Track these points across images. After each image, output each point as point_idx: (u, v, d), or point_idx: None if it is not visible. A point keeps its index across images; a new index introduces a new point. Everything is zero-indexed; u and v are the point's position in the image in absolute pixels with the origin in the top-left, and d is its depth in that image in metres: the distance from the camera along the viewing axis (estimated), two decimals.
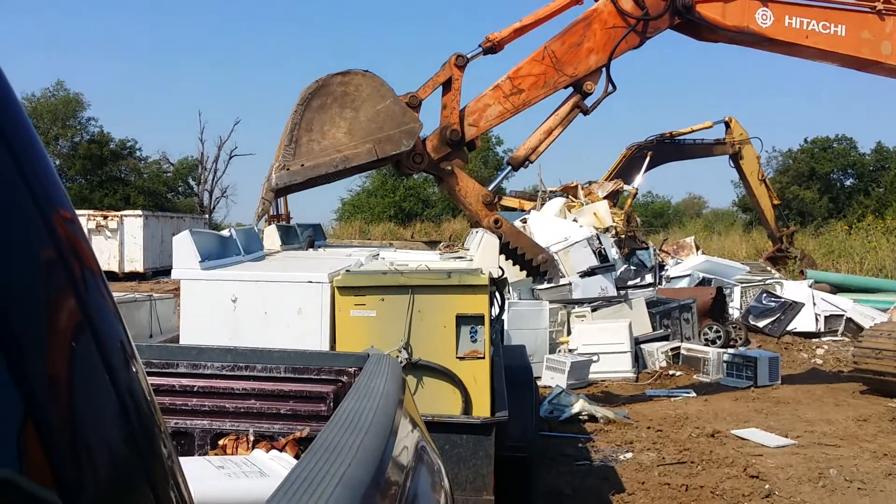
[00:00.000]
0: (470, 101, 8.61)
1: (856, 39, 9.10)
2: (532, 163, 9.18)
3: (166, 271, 24.16)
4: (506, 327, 9.70)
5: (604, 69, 8.90)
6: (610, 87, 8.97)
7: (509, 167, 9.41)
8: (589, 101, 8.99)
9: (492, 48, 8.74)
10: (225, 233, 6.03)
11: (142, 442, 0.89)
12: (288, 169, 7.34)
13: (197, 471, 2.34)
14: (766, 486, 6.36)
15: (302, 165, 7.40)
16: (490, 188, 8.88)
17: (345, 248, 8.70)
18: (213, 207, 47.69)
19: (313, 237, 8.29)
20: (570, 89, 8.96)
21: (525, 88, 8.64)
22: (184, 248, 5.03)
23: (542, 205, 19.59)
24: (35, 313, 0.78)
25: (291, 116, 7.56)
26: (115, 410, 0.85)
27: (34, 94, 44.73)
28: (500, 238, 8.07)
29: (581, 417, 8.43)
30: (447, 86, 8.46)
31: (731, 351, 11.53)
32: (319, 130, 7.51)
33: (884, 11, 9.09)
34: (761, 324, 13.82)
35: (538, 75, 8.67)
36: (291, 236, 7.70)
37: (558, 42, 8.79)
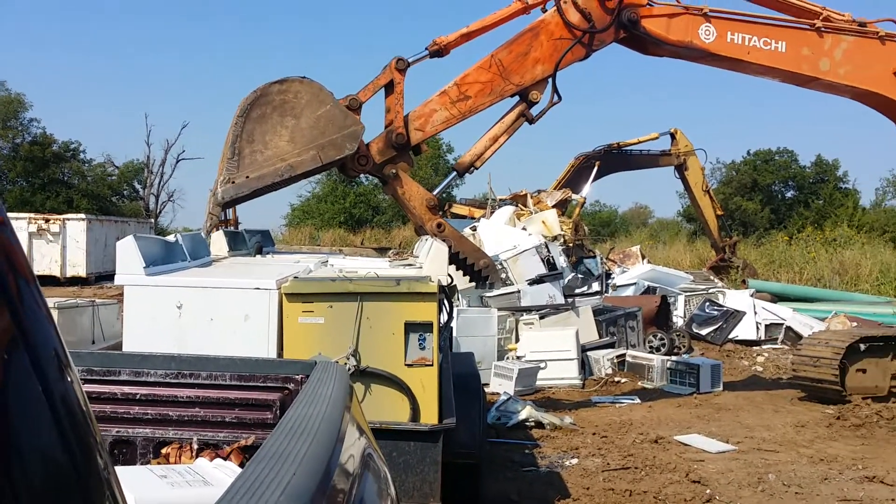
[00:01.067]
0: (417, 106, 8.66)
1: (796, 56, 9.36)
2: (477, 169, 9.27)
3: (110, 276, 23.68)
4: (455, 334, 9.73)
5: (550, 79, 9.01)
6: (556, 98, 9.10)
7: (455, 173, 9.47)
8: (535, 110, 9.11)
9: (438, 51, 8.81)
10: (171, 238, 5.94)
11: (76, 452, 0.87)
12: (233, 182, 7.33)
13: (139, 480, 2.31)
14: (707, 491, 6.48)
15: (247, 177, 7.39)
16: (435, 193, 8.93)
17: (294, 255, 8.64)
18: (160, 212, 46.90)
19: (261, 243, 8.23)
20: (517, 98, 9.06)
21: (472, 95, 8.71)
22: (128, 254, 4.95)
23: (492, 213, 19.70)
24: None
25: (232, 128, 7.54)
26: (49, 420, 0.84)
27: None
28: (443, 242, 8.14)
29: (528, 424, 8.48)
30: (389, 88, 8.50)
31: (674, 358, 11.71)
32: (262, 141, 7.50)
33: (823, 29, 9.37)
34: (704, 332, 14.06)
35: (485, 83, 8.75)
36: (239, 242, 7.64)
37: (505, 51, 8.88)
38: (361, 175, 9.14)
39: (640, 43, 9.48)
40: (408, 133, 8.43)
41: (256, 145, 7.49)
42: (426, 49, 8.82)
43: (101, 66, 79.30)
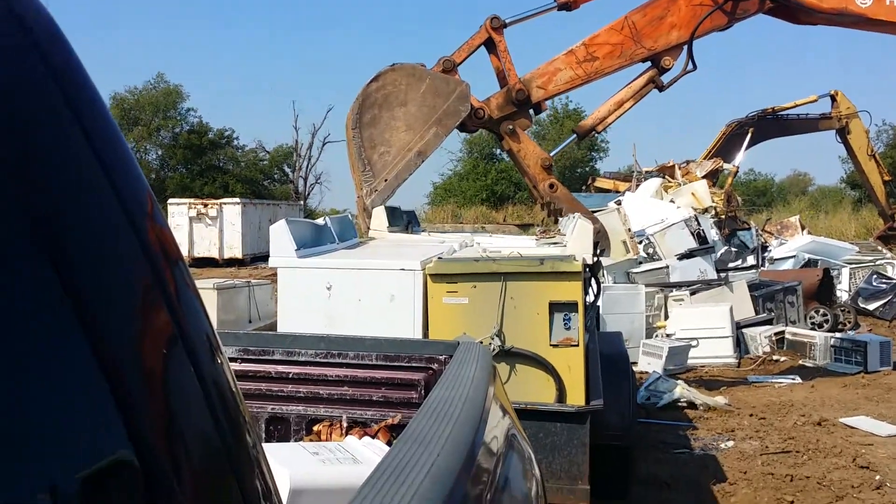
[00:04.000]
0: (541, 64, 8.56)
1: None
2: (598, 133, 9.13)
3: (264, 257, 24.78)
4: (601, 312, 9.58)
5: (685, 47, 8.65)
6: (690, 66, 8.73)
7: (574, 135, 9.30)
8: (666, 78, 8.78)
9: (567, 4, 8.65)
10: (319, 221, 6.15)
11: (228, 431, 0.91)
12: (376, 190, 7.59)
13: (293, 457, 2.39)
14: (877, 477, 6.09)
15: (386, 181, 7.64)
16: (554, 153, 8.83)
17: (442, 234, 8.75)
18: (308, 194, 48.80)
19: (411, 221, 8.46)
20: (647, 64, 8.77)
21: (600, 56, 8.52)
22: (280, 237, 5.15)
23: (638, 186, 19.23)
24: (127, 316, 0.81)
25: (351, 143, 7.81)
26: (202, 404, 0.88)
27: (136, 87, 46.63)
28: (551, 204, 8.08)
29: (680, 404, 8.26)
30: (490, 48, 8.46)
31: (839, 335, 11.09)
32: (383, 141, 7.70)
33: None
34: (871, 306, 13.26)
35: (615, 45, 8.52)
36: (397, 218, 7.88)
37: (640, 13, 8.61)
38: (500, 151, 9.19)
39: (790, 13, 8.93)
40: (529, 90, 8.37)
41: (380, 148, 7.70)
42: (554, 1, 8.69)
43: (250, 56, 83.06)
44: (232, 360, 2.96)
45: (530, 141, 8.62)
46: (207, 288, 9.20)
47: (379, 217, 7.29)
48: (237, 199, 28.13)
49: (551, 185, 8.37)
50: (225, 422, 0.91)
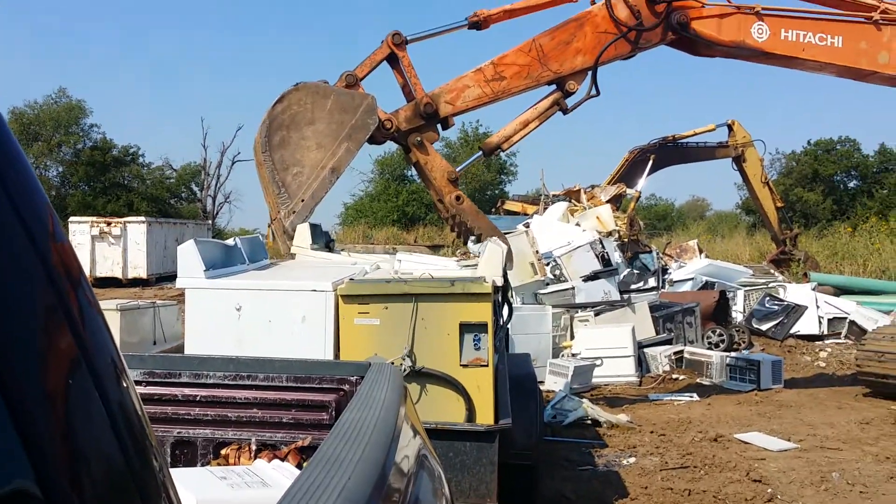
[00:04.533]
0: (450, 80, 8.73)
1: (854, 50, 9.12)
2: (503, 151, 9.38)
3: (170, 277, 24.22)
4: (510, 332, 9.72)
5: (590, 72, 8.95)
6: (594, 91, 9.03)
7: (480, 152, 9.51)
8: (570, 102, 9.06)
9: (477, 23, 8.87)
10: (229, 241, 6.06)
11: (134, 457, 0.90)
12: (294, 211, 7.53)
13: (199, 481, 2.36)
14: (769, 490, 6.36)
15: (303, 201, 7.60)
16: (459, 168, 9.02)
17: (370, 254, 8.70)
18: (217, 213, 47.84)
19: (332, 241, 8.42)
20: (553, 86, 9.04)
21: (507, 76, 8.73)
22: (188, 257, 5.06)
23: (545, 209, 19.61)
24: (28, 338, 0.79)
25: (263, 168, 7.74)
26: (107, 427, 0.87)
27: (36, 102, 44.91)
28: (456, 217, 8.20)
29: (584, 422, 8.43)
30: (393, 64, 8.61)
31: (734, 354, 11.52)
32: (295, 162, 7.68)
33: (880, 21, 9.10)
34: (764, 327, 13.81)
35: (522, 66, 8.75)
36: (317, 235, 7.82)
37: (548, 37, 8.87)
38: (412, 173, 9.28)
39: (691, 45, 9.35)
40: (437, 105, 8.51)
41: (293, 168, 7.67)
42: (466, 19, 8.89)
43: (158, 72, 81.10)
44: (137, 383, 2.90)
45: (437, 154, 8.73)
46: (110, 309, 8.87)
47: (302, 234, 7.23)
48: (142, 218, 27.34)
49: (458, 198, 8.50)
50: (131, 447, 0.89)
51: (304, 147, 7.69)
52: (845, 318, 14.80)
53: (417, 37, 8.81)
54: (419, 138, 8.48)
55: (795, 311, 13.81)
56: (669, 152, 21.62)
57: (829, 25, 9.14)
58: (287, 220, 7.52)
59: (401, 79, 8.74)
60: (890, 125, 78.16)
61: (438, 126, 8.73)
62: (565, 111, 9.09)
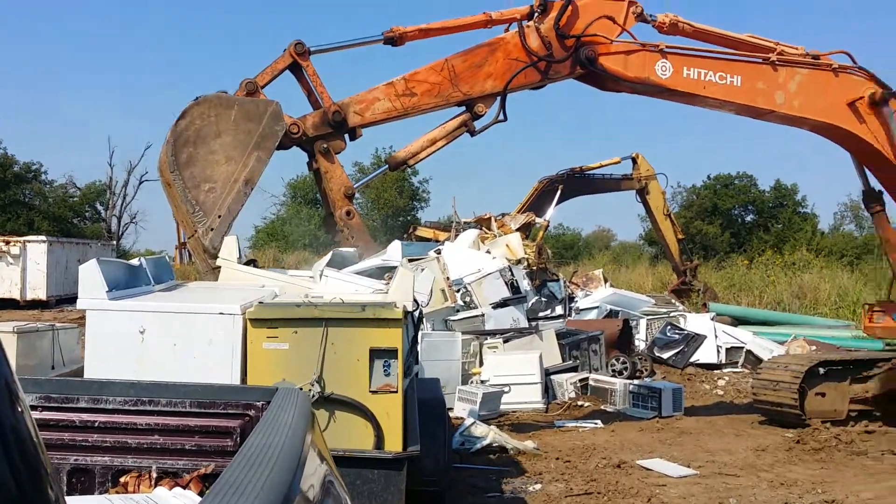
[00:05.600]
0: (361, 91, 8.79)
1: (751, 89, 9.57)
2: (410, 167, 9.50)
3: (71, 299, 23.27)
4: (419, 359, 9.72)
5: (499, 97, 9.15)
6: (502, 116, 9.25)
7: (386, 166, 9.63)
8: (478, 124, 9.24)
9: (393, 39, 8.97)
10: (134, 262, 5.89)
11: (27, 484, 0.87)
12: (212, 229, 7.38)
13: None
14: None
15: (219, 217, 7.43)
16: (358, 185, 9.14)
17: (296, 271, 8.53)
18: (122, 234, 46.41)
19: (255, 261, 8.26)
20: (463, 108, 9.20)
21: (418, 93, 8.84)
22: (90, 278, 4.90)
23: (457, 236, 19.74)
24: None
25: (171, 188, 7.57)
26: None
27: None
28: (346, 230, 8.23)
29: (492, 448, 8.48)
30: (296, 73, 8.64)
31: (636, 382, 11.80)
32: (206, 178, 7.52)
33: (777, 62, 9.60)
34: (666, 355, 14.19)
35: (434, 84, 8.88)
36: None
37: (461, 58, 9.03)
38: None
39: (598, 80, 9.66)
40: (346, 114, 8.53)
41: (205, 185, 7.51)
42: (381, 34, 8.96)
43: (64, 87, 78.42)
44: (33, 407, 2.78)
45: (340, 166, 8.75)
46: (6, 331, 8.50)
47: (229, 247, 7.05)
48: (43, 237, 26.22)
49: (348, 213, 8.53)
50: (25, 474, 0.87)
51: (214, 162, 7.53)
52: (742, 347, 15.35)
53: (325, 48, 8.85)
54: (325, 146, 8.48)
55: (695, 340, 14.27)
56: (577, 183, 22.10)
57: (728, 65, 9.57)
58: (206, 237, 7.34)
59: (306, 88, 8.74)
60: (785, 162, 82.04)
61: (346, 136, 8.74)
62: (472, 133, 9.26)
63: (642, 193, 21.50)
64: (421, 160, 9.27)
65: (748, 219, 48.25)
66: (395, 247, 8.13)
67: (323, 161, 8.51)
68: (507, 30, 9.52)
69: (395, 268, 7.65)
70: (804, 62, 9.74)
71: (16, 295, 24.41)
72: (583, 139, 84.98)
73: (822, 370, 10.09)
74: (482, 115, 9.21)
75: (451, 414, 9.01)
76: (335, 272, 7.43)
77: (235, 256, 6.99)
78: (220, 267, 6.89)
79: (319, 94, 8.55)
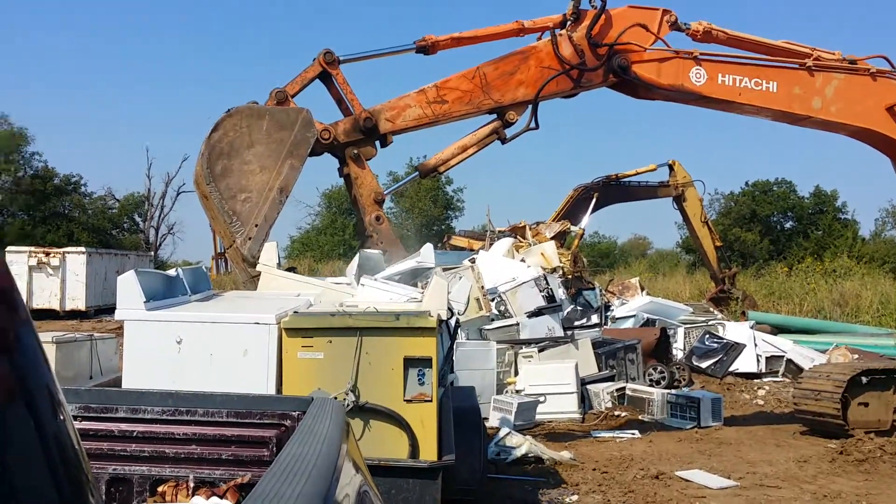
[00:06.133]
0: (392, 98, 8.84)
1: (788, 95, 9.45)
2: (440, 174, 9.58)
3: (109, 310, 23.64)
4: (454, 368, 9.71)
5: (530, 105, 9.14)
6: (533, 124, 9.24)
7: (417, 173, 9.65)
8: (510, 131, 9.25)
9: (425, 48, 9.02)
10: (171, 272, 5.96)
11: (67, 491, 0.87)
12: (250, 238, 7.49)
13: None
14: None
15: (256, 226, 7.54)
16: (389, 191, 9.19)
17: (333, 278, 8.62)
18: (160, 245, 47.12)
19: (294, 268, 8.40)
20: (494, 116, 9.21)
21: (449, 100, 8.88)
22: (128, 288, 4.96)
23: (491, 245, 19.73)
24: None
25: (209, 200, 7.68)
26: (41, 460, 0.84)
27: None
28: (375, 234, 8.28)
29: (528, 459, 8.43)
30: (326, 81, 8.68)
31: (674, 392, 11.66)
32: (241, 188, 7.64)
33: (813, 68, 9.47)
34: (704, 364, 14.00)
35: (465, 91, 8.91)
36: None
37: (492, 66, 9.04)
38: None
39: (632, 87, 9.62)
40: (377, 121, 8.59)
41: (241, 195, 7.62)
42: (414, 43, 9.01)
43: (103, 100, 79.95)
44: (72, 417, 2.81)
45: (370, 172, 8.82)
46: (45, 341, 8.64)
47: (269, 254, 7.15)
48: (82, 249, 26.68)
49: (377, 218, 8.60)
50: (66, 482, 0.87)
51: (248, 172, 7.64)
52: (782, 356, 15.11)
53: (355, 57, 8.94)
54: (356, 151, 8.58)
55: (734, 349, 14.06)
56: (612, 191, 21.97)
57: (764, 71, 9.47)
58: (244, 247, 7.46)
59: (336, 96, 8.85)
60: (824, 168, 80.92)
61: (377, 143, 8.82)
62: (504, 140, 9.28)
63: (679, 201, 21.30)
64: (452, 167, 9.32)
65: (787, 225, 47.60)
66: (429, 249, 8.21)
67: (353, 167, 8.59)
68: (539, 38, 9.52)
69: (429, 269, 7.70)
70: (841, 67, 9.60)
71: (55, 306, 24.86)
72: (618, 147, 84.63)
73: (864, 379, 9.88)
74: (513, 123, 9.22)
75: (486, 424, 8.98)
76: (372, 280, 7.46)
77: (275, 262, 7.07)
78: (259, 274, 6.96)
79: (350, 101, 8.65)
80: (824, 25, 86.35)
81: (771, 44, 9.90)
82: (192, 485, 2.76)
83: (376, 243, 8.67)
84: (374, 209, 8.65)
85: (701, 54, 9.36)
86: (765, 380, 14.58)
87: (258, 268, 7.09)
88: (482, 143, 9.23)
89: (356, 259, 7.73)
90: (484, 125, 9.31)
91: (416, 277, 8.07)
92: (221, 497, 2.61)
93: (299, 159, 7.83)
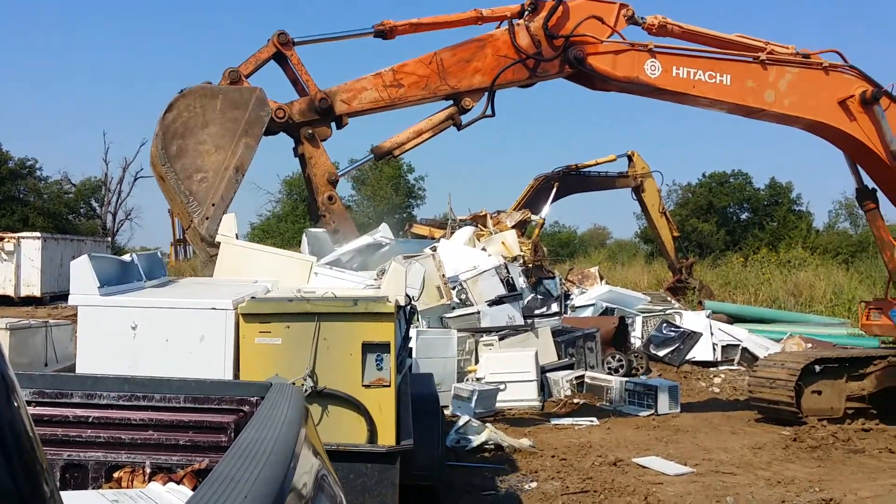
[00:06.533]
0: (349, 80, 8.86)
1: (741, 88, 9.59)
2: (395, 157, 9.66)
3: (65, 296, 23.16)
4: (414, 355, 9.70)
5: (487, 93, 9.21)
6: (489, 111, 9.33)
7: (371, 155, 9.70)
8: (465, 118, 9.32)
9: (383, 32, 9.06)
10: (126, 257, 5.85)
11: (22, 479, 0.86)
12: (207, 217, 7.48)
13: None
14: None
15: (213, 205, 7.53)
16: (343, 172, 9.28)
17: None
18: (117, 230, 46.37)
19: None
20: (450, 102, 9.27)
21: (405, 85, 8.93)
22: (82, 273, 4.87)
23: (452, 233, 19.74)
24: None
25: (165, 183, 7.70)
26: None
27: None
28: (327, 214, 8.35)
29: (487, 446, 8.47)
30: (281, 62, 8.76)
31: (632, 379, 11.79)
32: (197, 168, 7.65)
33: (767, 61, 9.61)
34: (662, 353, 14.19)
35: (421, 76, 8.96)
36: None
37: (449, 52, 9.09)
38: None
39: (588, 79, 9.70)
40: (333, 102, 8.61)
41: (197, 175, 7.62)
42: (372, 27, 9.03)
43: (59, 82, 78.26)
44: (26, 403, 2.76)
45: (325, 153, 8.86)
46: None
47: (228, 225, 7.12)
48: (37, 234, 26.18)
49: (330, 197, 8.65)
50: (20, 470, 0.85)
51: (204, 152, 7.63)
52: (738, 345, 15.37)
53: (310, 39, 8.95)
54: (311, 131, 8.60)
55: (691, 337, 14.27)
56: (572, 181, 22.11)
57: (718, 64, 9.59)
58: (202, 226, 7.44)
59: (291, 77, 8.86)
60: (780, 160, 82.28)
61: (333, 124, 8.83)
62: (459, 126, 9.36)
63: (638, 191, 21.53)
64: (406, 150, 9.40)
65: (743, 217, 48.33)
66: (385, 227, 8.30)
67: (308, 147, 8.61)
68: (497, 27, 9.56)
69: (381, 246, 7.75)
70: (794, 61, 9.75)
71: (10, 292, 24.40)
72: (578, 137, 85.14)
73: (818, 368, 10.09)
74: (469, 110, 9.30)
75: (446, 412, 9.01)
76: (327, 269, 7.44)
77: (234, 233, 7.06)
78: (217, 252, 6.93)
79: (305, 82, 8.67)
80: (779, 21, 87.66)
81: (725, 37, 10.03)
82: (148, 471, 2.73)
83: (329, 223, 8.72)
84: (328, 189, 8.68)
85: (656, 47, 9.47)
86: (721, 368, 14.84)
87: (217, 238, 7.07)
88: (437, 129, 9.30)
89: (304, 239, 7.78)
90: (440, 111, 9.36)
91: (365, 256, 8.10)
92: (178, 483, 2.58)
93: (254, 138, 7.83)
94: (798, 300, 24.21)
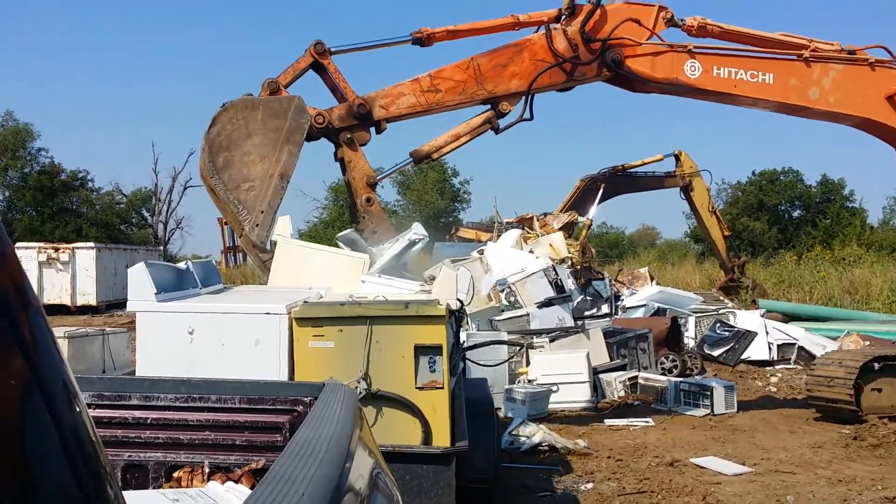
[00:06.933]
0: (387, 86, 8.93)
1: (784, 86, 9.41)
2: (433, 161, 9.76)
3: (119, 304, 23.75)
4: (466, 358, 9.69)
5: (524, 96, 9.21)
6: (527, 114, 9.32)
7: (410, 158, 9.72)
8: (503, 122, 9.31)
9: (421, 40, 9.14)
10: (181, 265, 5.96)
11: (87, 482, 0.86)
12: (257, 224, 7.69)
13: None
14: None
15: (262, 213, 7.76)
16: (382, 176, 9.37)
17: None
18: (168, 239, 47.33)
19: None
20: (488, 106, 9.29)
21: (443, 90, 8.97)
22: (139, 280, 4.97)
23: (499, 236, 19.70)
24: None
25: (215, 192, 7.97)
26: (59, 453, 0.83)
27: None
28: (366, 216, 8.43)
29: (542, 448, 8.41)
30: (319, 71, 8.87)
31: (687, 380, 11.63)
32: (244, 178, 7.89)
33: (810, 58, 9.42)
34: (716, 353, 13.98)
35: (458, 81, 8.99)
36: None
37: (486, 57, 9.10)
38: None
39: (627, 82, 9.63)
40: (371, 107, 8.70)
41: (244, 185, 7.85)
42: (410, 35, 9.10)
43: (109, 95, 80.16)
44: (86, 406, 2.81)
45: (363, 156, 8.97)
46: (57, 336, 8.69)
47: (283, 225, 7.34)
48: (91, 244, 26.80)
49: (368, 199, 8.74)
50: (84, 473, 0.86)
51: (249, 162, 7.83)
52: (794, 343, 15.04)
53: (348, 48, 9.03)
54: (350, 136, 8.70)
55: (746, 336, 14.03)
56: (619, 181, 21.91)
57: (760, 63, 9.42)
58: (253, 233, 7.64)
59: (330, 85, 9.00)
60: (831, 157, 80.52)
61: (371, 128, 8.93)
62: (497, 130, 9.38)
63: (686, 190, 21.21)
64: (444, 154, 9.47)
65: (795, 214, 47.39)
66: (417, 225, 8.40)
67: (347, 151, 8.73)
68: (535, 32, 9.54)
69: (420, 241, 7.85)
70: (838, 57, 9.55)
71: (66, 301, 24.98)
72: (623, 138, 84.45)
73: (877, 365, 9.83)
74: (507, 114, 9.30)
75: (499, 415, 8.96)
76: (377, 278, 7.49)
77: (289, 233, 7.25)
78: (271, 258, 7.10)
79: (343, 89, 8.79)
80: (824, 18, 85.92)
81: (767, 36, 9.86)
82: (206, 470, 2.77)
83: (367, 224, 8.82)
84: (366, 191, 8.78)
85: (695, 48, 9.36)
86: (777, 367, 14.52)
87: (274, 237, 7.33)
88: (475, 132, 9.34)
89: (339, 245, 7.93)
90: (477, 115, 9.38)
91: (402, 259, 8.15)
92: (236, 482, 2.61)
93: (296, 145, 8.00)
94: (854, 297, 23.63)
